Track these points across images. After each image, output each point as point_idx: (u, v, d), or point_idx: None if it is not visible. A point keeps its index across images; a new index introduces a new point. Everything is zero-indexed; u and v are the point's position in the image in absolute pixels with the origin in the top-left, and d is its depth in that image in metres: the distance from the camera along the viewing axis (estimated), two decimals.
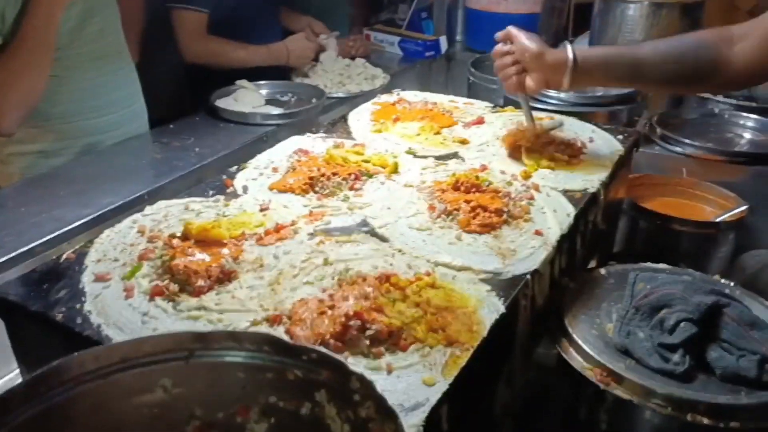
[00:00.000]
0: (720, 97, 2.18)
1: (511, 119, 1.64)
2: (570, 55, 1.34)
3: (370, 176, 1.33)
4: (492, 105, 1.77)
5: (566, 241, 1.19)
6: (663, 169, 1.89)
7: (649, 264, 1.27)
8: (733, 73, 1.26)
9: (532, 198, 1.26)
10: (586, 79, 1.40)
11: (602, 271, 1.26)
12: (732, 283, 1.22)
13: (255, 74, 2.23)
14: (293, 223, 1.16)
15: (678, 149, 1.89)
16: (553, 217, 1.21)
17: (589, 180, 1.35)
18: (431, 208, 1.22)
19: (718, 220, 1.70)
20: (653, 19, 2.21)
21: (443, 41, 2.82)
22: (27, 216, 1.53)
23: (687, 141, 1.88)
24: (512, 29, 1.41)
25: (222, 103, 2.05)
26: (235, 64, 2.23)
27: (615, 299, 1.17)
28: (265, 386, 0.64)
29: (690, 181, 1.84)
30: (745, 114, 2.08)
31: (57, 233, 1.47)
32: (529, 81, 1.40)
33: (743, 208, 1.69)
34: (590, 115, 1.88)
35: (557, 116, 1.65)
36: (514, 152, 1.45)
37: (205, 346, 0.63)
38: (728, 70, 1.26)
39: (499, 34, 1.43)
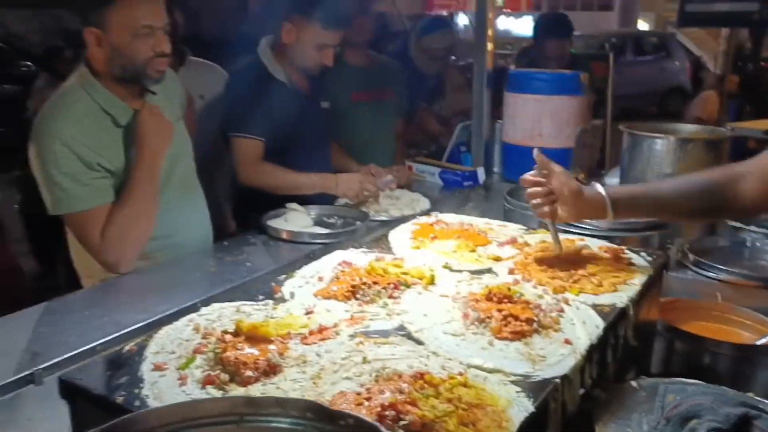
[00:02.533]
0: (752, 226, 2.24)
1: (544, 240, 1.74)
2: (605, 194, 1.50)
3: (408, 286, 1.43)
4: (525, 228, 1.87)
5: (596, 352, 1.23)
6: (697, 293, 1.92)
7: (679, 379, 1.29)
8: (740, 206, 1.44)
9: (562, 310, 1.33)
10: (621, 214, 1.53)
11: (633, 383, 1.29)
12: (764, 400, 1.23)
13: (304, 200, 2.41)
14: (335, 326, 1.25)
15: (711, 274, 1.94)
16: (583, 329, 1.26)
17: (618, 296, 1.41)
18: (465, 315, 1.29)
19: (757, 343, 1.70)
20: (679, 154, 2.34)
21: (481, 172, 3.00)
22: (91, 318, 1.65)
23: (720, 266, 1.93)
24: (551, 162, 1.55)
25: (273, 223, 2.21)
26: (285, 189, 2.41)
27: (646, 411, 1.19)
28: None
29: (725, 305, 1.86)
30: None
31: (116, 335, 1.58)
32: (562, 212, 1.53)
33: None
34: (622, 239, 1.97)
35: (582, 240, 1.73)
36: (542, 272, 1.52)
37: (255, 412, 0.70)
38: (736, 204, 1.43)
39: (538, 160, 1.55)
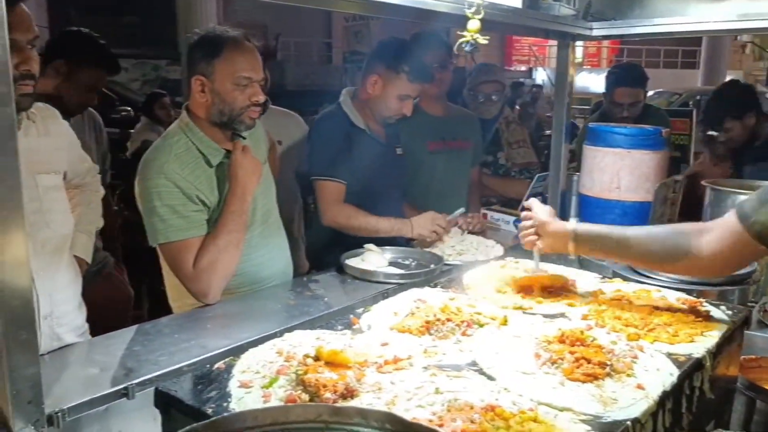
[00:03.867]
0: None
1: (620, 289, 1.74)
2: (571, 227, 1.67)
3: (482, 326, 1.47)
4: (600, 276, 1.88)
5: (669, 399, 1.23)
6: None
7: None
8: (700, 260, 1.42)
9: (636, 357, 1.33)
10: (584, 249, 1.69)
11: None
12: None
13: (381, 242, 2.49)
14: (409, 357, 1.30)
15: None
16: (657, 375, 1.26)
17: (694, 347, 1.40)
18: (537, 356, 1.31)
19: None
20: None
21: None
22: (178, 342, 1.76)
23: None
24: (533, 202, 1.81)
25: (351, 262, 2.29)
26: (365, 231, 2.50)
27: None
28: None
29: None
30: None
31: (201, 357, 1.66)
32: (539, 243, 1.76)
33: None
34: (699, 292, 1.93)
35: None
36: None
37: (339, 420, 0.76)
38: (694, 257, 1.42)
39: (524, 204, 1.84)
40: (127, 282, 3.03)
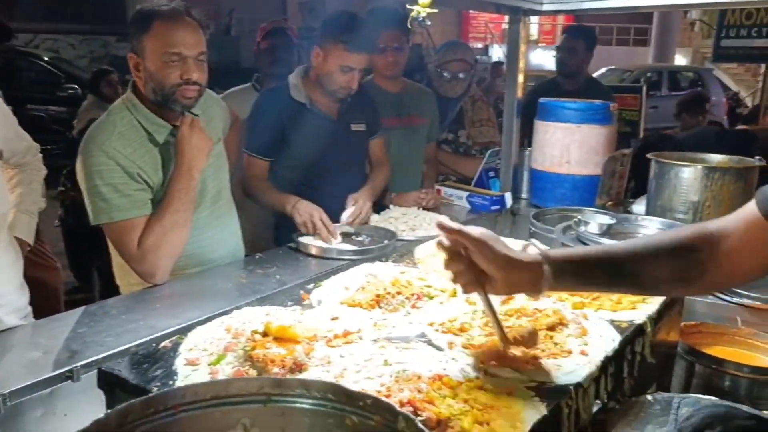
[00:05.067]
0: None
1: None
2: (546, 268, 1.14)
3: (431, 298, 1.48)
4: (549, 248, 1.91)
5: (612, 364, 1.27)
6: (719, 318, 1.93)
7: (695, 395, 1.31)
8: (721, 272, 1.13)
9: (579, 324, 1.36)
10: (563, 285, 1.21)
11: (648, 397, 1.31)
12: None
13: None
14: (359, 331, 1.31)
15: (734, 300, 1.94)
16: (599, 341, 1.30)
17: (636, 314, 1.44)
18: (485, 325, 1.33)
19: None
20: (707, 182, 2.36)
21: (508, 197, 3.04)
22: (126, 323, 1.73)
23: (742, 291, 1.93)
24: (463, 227, 1.17)
25: (303, 239, 2.28)
26: (264, 205, 2.55)
27: (660, 423, 1.21)
28: None
29: (748, 331, 1.87)
30: None
31: (150, 337, 1.64)
32: (491, 284, 1.17)
33: None
34: None
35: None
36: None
37: (281, 393, 0.76)
38: (716, 270, 1.12)
39: (442, 231, 1.19)
40: (50, 254, 2.96)
